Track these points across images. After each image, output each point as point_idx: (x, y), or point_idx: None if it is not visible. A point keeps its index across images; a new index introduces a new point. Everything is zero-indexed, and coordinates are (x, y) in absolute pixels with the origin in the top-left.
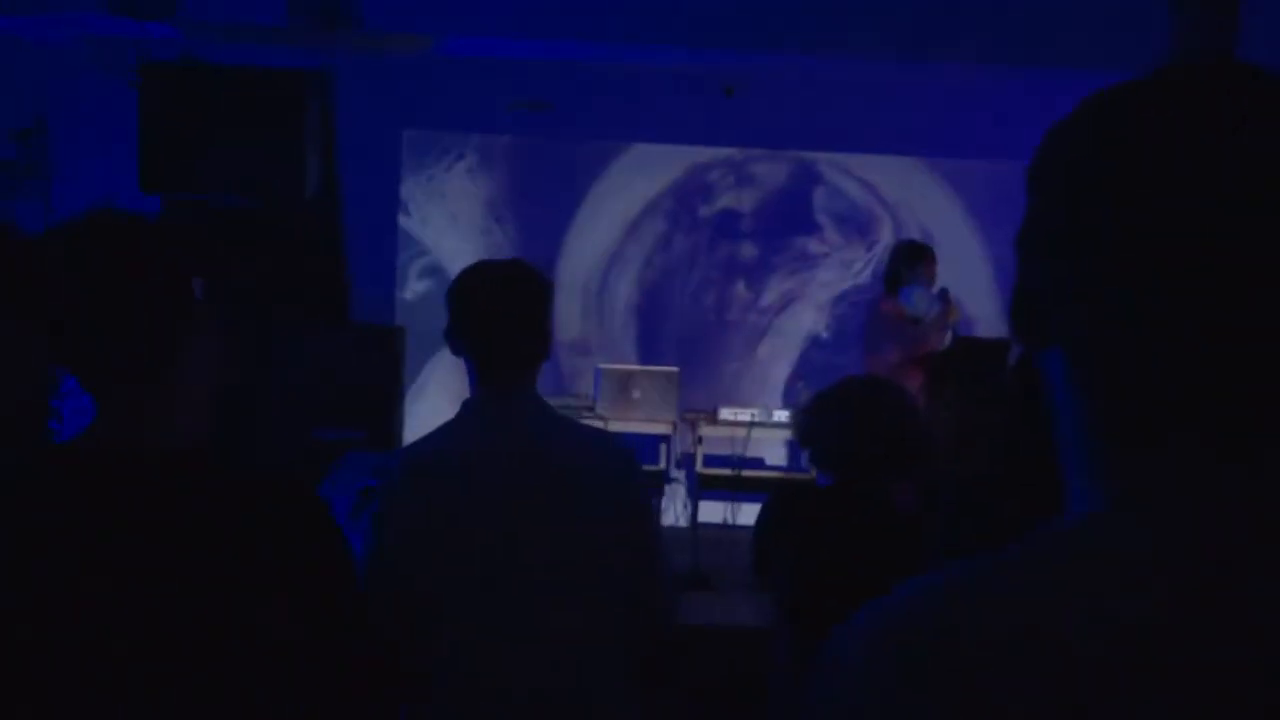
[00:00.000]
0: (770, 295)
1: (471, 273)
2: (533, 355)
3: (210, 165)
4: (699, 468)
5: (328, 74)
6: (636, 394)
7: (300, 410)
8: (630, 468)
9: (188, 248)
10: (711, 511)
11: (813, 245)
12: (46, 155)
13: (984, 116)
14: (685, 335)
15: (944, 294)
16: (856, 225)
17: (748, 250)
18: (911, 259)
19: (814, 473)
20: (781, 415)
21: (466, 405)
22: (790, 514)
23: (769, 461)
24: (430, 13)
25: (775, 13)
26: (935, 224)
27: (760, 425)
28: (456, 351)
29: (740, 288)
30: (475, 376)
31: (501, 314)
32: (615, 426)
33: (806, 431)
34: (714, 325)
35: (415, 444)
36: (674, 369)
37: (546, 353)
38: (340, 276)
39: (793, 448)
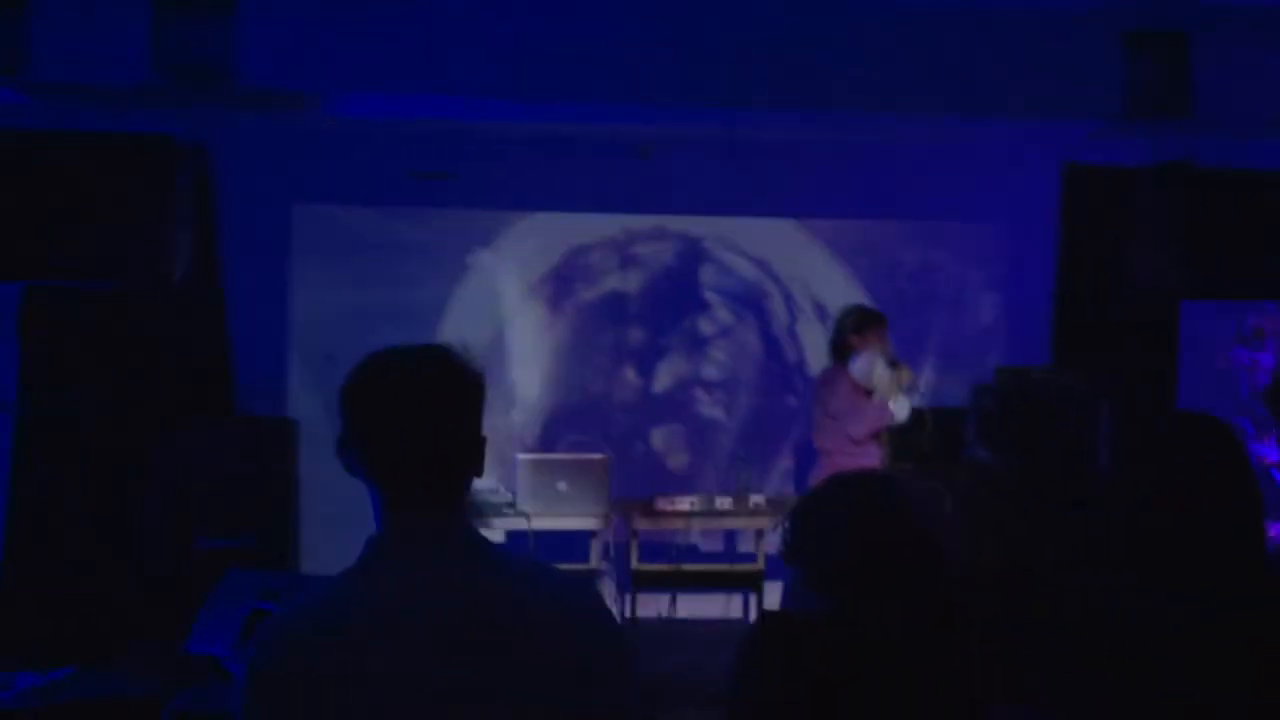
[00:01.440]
0: (661, 380)
1: (372, 366)
2: (460, 474)
3: (69, 246)
4: (635, 564)
5: (203, 144)
6: (563, 485)
7: (181, 517)
8: (605, 627)
9: None
10: (646, 605)
11: (703, 324)
12: None
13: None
14: (580, 423)
15: (894, 360)
16: (746, 301)
17: (635, 334)
18: (860, 325)
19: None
20: (725, 503)
21: (371, 546)
22: (780, 652)
23: (703, 549)
24: (316, 68)
25: (685, 69)
26: (826, 292)
27: (701, 515)
28: (353, 471)
29: (630, 372)
30: (381, 505)
31: (413, 421)
32: (540, 524)
33: (794, 547)
34: (607, 411)
35: (300, 604)
36: (603, 456)
37: (479, 468)
38: (224, 366)
39: (728, 537)
